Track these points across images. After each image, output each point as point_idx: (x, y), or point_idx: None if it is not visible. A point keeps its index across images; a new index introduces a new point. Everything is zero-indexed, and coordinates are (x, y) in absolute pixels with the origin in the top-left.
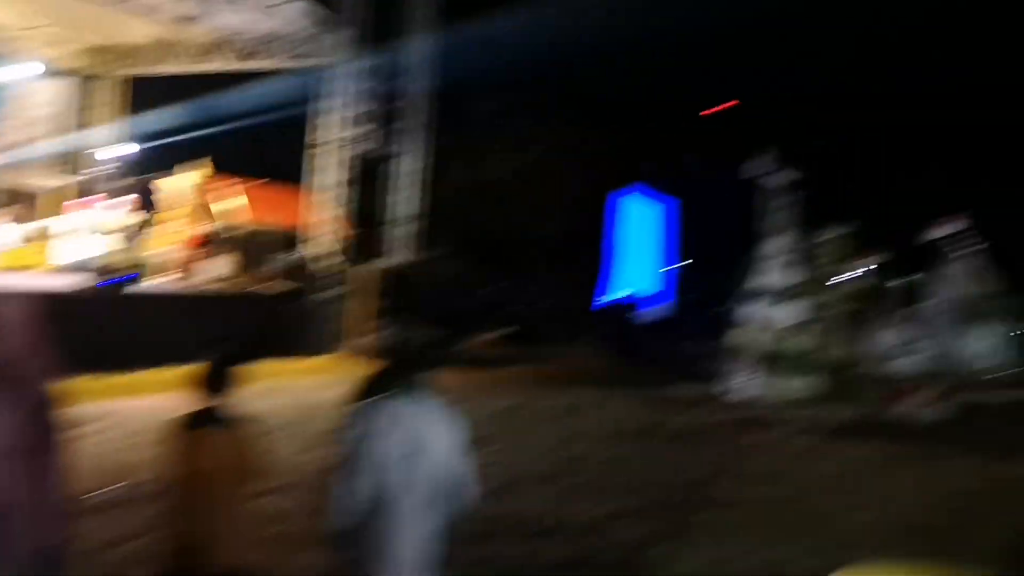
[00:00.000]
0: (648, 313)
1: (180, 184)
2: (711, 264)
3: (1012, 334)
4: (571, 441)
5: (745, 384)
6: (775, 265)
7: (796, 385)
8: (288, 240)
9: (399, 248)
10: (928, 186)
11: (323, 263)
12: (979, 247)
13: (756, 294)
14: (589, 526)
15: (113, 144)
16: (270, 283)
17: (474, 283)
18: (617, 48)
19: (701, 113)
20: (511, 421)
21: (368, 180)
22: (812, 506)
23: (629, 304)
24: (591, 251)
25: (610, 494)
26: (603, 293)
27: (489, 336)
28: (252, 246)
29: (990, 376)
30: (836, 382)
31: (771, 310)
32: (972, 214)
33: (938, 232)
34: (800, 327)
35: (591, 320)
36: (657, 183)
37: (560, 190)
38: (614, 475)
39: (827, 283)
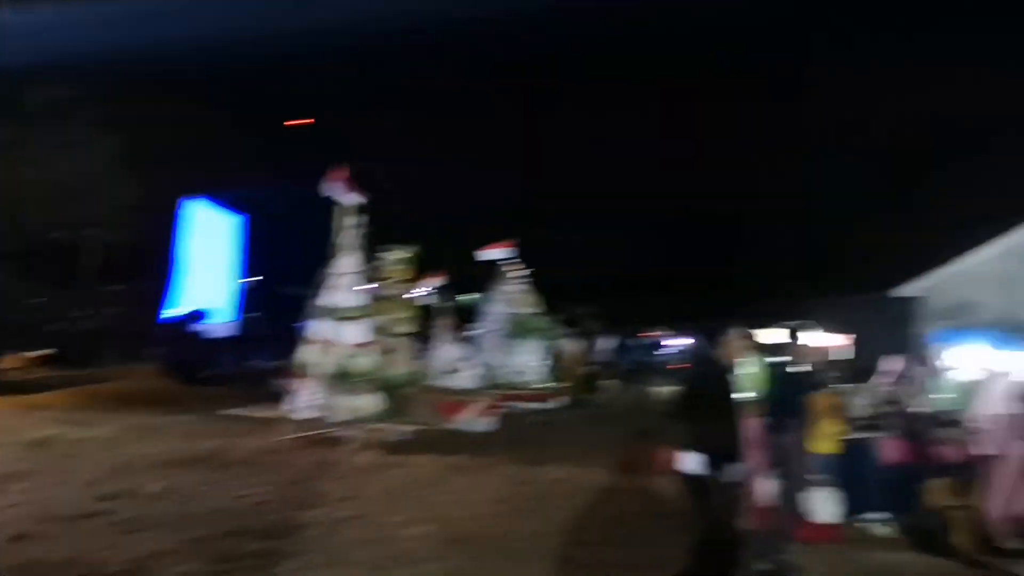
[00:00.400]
0: (215, 330)
1: None
2: (283, 281)
3: (549, 350)
4: (118, 473)
5: (312, 403)
6: (344, 284)
7: (361, 403)
8: None
9: None
10: (483, 213)
11: None
12: (524, 272)
13: (325, 313)
14: (126, 569)
15: None
16: None
17: (8, 295)
18: (192, 50)
19: (285, 123)
20: (46, 454)
21: None
22: (374, 522)
23: (194, 320)
24: (153, 263)
25: (157, 530)
26: (166, 308)
27: (24, 356)
28: None
29: (532, 388)
30: (399, 399)
31: (338, 329)
32: (519, 241)
33: (491, 256)
34: (365, 345)
35: (151, 337)
36: (229, 196)
37: (121, 196)
38: (163, 508)
39: (391, 302)
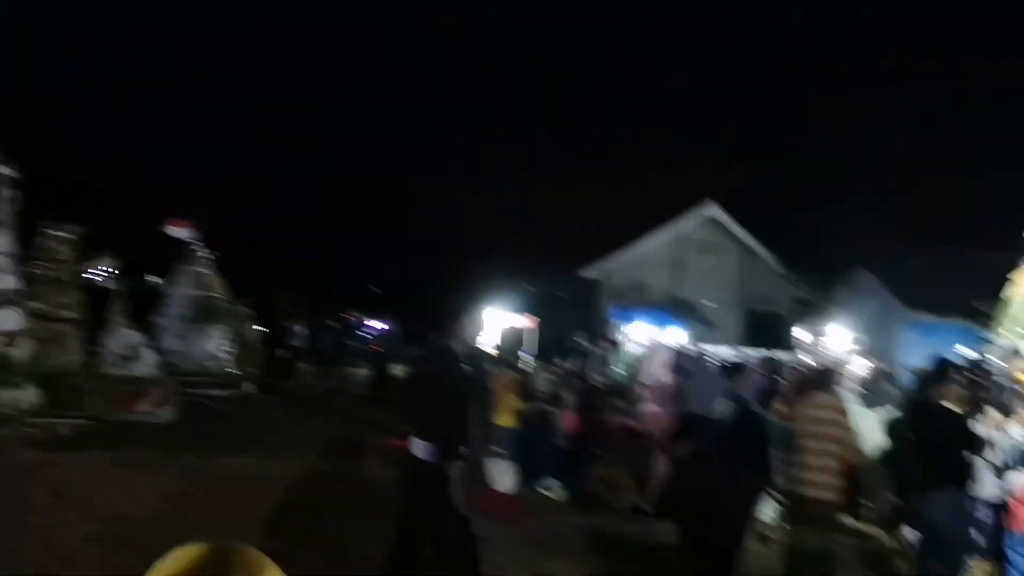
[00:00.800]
0: None
1: None
2: None
3: (233, 337)
4: None
5: None
6: None
7: (18, 396)
8: None
9: None
10: (166, 190)
11: None
12: (207, 254)
13: None
14: None
15: None
16: None
17: None
18: None
19: None
20: None
21: None
22: (34, 526)
23: None
24: None
25: None
26: None
27: None
28: None
29: (217, 375)
30: (65, 390)
31: None
32: (202, 221)
33: (173, 235)
34: (23, 332)
35: None
36: None
37: None
38: None
39: (55, 285)
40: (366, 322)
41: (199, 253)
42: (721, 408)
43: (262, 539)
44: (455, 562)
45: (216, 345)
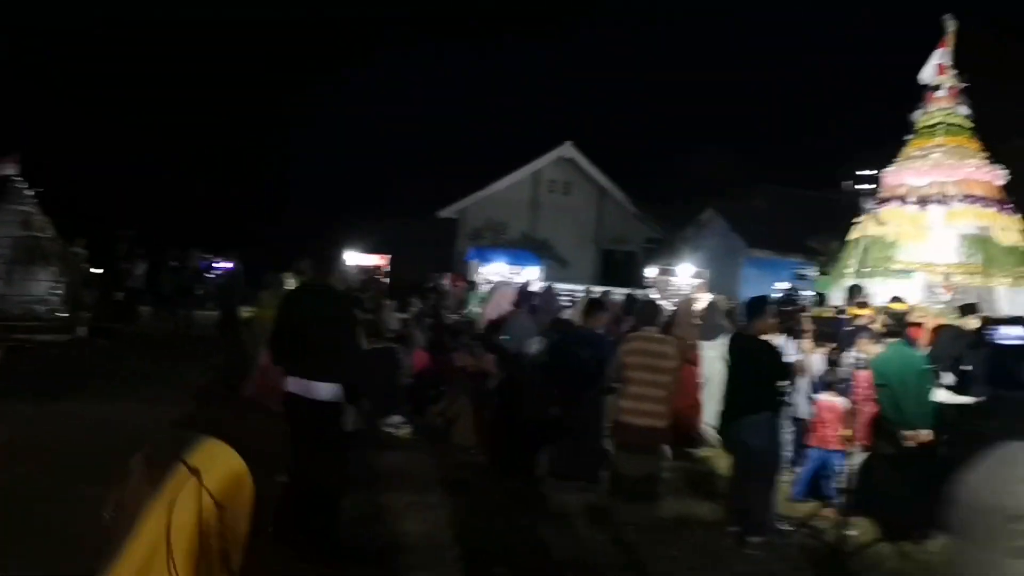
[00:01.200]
0: None
1: None
2: None
3: (64, 278)
4: None
5: None
6: None
7: None
8: None
9: None
10: None
11: None
12: (33, 191)
13: None
14: None
15: None
16: None
17: None
18: None
19: None
20: None
21: None
22: None
23: None
24: None
25: None
26: None
27: None
28: None
29: (44, 319)
30: None
31: None
32: (22, 158)
33: None
34: None
35: None
36: None
37: None
38: None
39: None
40: (212, 262)
41: (24, 190)
42: (539, 342)
43: (97, 486)
44: (330, 501)
45: (45, 288)
